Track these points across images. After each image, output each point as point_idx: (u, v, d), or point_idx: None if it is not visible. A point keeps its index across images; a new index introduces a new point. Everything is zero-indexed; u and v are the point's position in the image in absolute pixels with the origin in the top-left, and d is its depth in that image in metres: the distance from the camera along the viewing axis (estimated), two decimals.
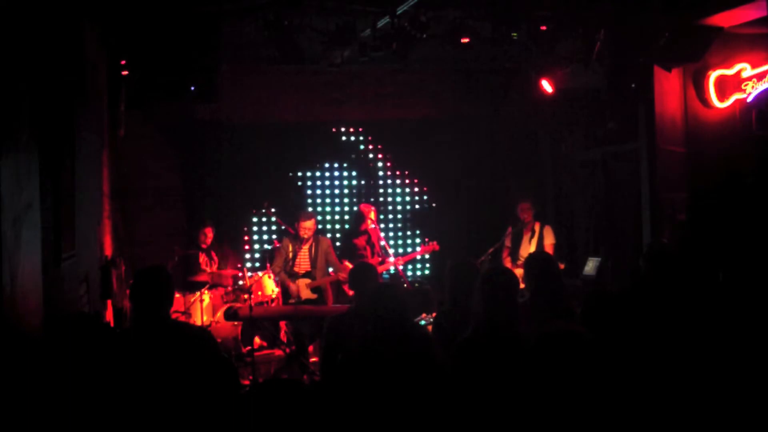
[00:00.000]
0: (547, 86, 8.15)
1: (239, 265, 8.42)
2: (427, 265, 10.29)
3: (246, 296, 7.44)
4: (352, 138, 10.18)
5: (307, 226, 7.64)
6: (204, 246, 8.46)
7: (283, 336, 8.04)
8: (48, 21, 4.34)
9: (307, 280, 7.65)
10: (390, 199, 10.30)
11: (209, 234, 8.50)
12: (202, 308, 7.79)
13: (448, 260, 4.74)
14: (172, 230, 9.17)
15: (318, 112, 9.76)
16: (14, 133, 3.45)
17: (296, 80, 9.39)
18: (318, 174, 10.15)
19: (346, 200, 10.21)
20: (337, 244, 8.95)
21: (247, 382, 6.73)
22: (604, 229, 8.90)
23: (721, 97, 7.27)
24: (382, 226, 9.87)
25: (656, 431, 3.23)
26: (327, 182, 10.20)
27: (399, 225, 10.32)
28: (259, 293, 7.94)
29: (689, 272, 4.77)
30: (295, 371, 7.12)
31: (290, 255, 7.71)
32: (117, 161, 8.00)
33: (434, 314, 5.41)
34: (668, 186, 7.33)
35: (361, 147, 10.21)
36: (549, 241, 8.04)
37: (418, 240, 10.24)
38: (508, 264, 7.96)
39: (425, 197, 10.33)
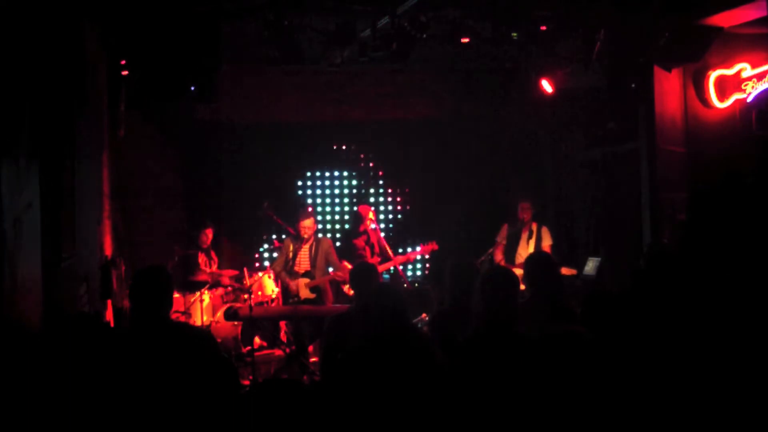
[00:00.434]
0: (547, 86, 8.14)
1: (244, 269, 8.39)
2: (427, 265, 10.29)
3: (246, 296, 7.44)
4: (352, 138, 10.18)
5: (307, 225, 7.64)
6: (204, 246, 8.46)
7: (283, 336, 8.04)
8: (48, 21, 4.34)
9: (307, 280, 7.66)
10: (390, 199, 10.29)
11: (209, 234, 8.51)
12: (202, 308, 7.80)
13: (447, 260, 4.73)
14: (172, 230, 9.17)
15: (318, 112, 9.76)
16: (14, 134, 3.45)
17: (296, 80, 9.39)
18: (318, 174, 10.16)
19: (346, 200, 10.22)
20: (338, 244, 8.95)
21: (247, 382, 6.73)
22: (604, 229, 8.90)
23: (721, 97, 7.27)
24: (382, 226, 9.87)
25: (656, 431, 3.23)
26: (327, 182, 10.21)
27: (399, 226, 10.32)
28: (259, 293, 7.94)
29: (689, 272, 4.76)
30: (295, 371, 7.12)
31: (290, 255, 7.72)
32: (117, 161, 8.00)
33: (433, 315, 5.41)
34: (668, 186, 7.33)
35: (361, 147, 10.23)
36: (547, 242, 8.04)
37: (417, 240, 10.24)
38: (500, 262, 7.96)
39: (424, 198, 10.33)
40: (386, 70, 9.39)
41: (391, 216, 10.37)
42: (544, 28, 6.85)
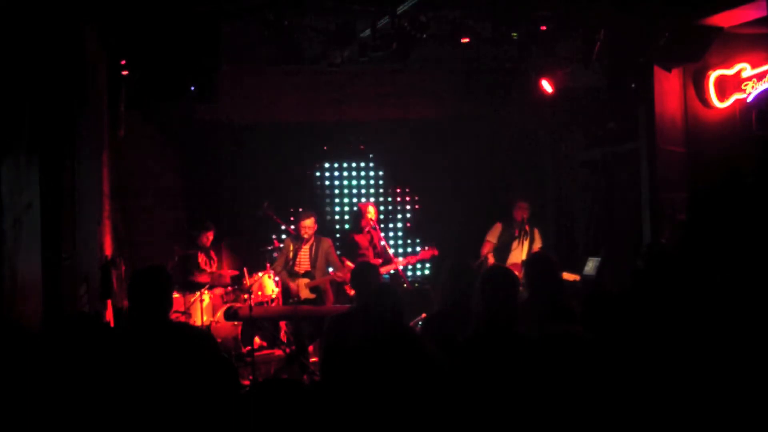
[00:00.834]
0: (547, 86, 8.14)
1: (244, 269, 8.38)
2: (427, 266, 10.29)
3: (246, 296, 7.44)
4: (351, 138, 10.19)
5: (307, 225, 7.64)
6: (204, 246, 8.46)
7: (283, 336, 8.04)
8: (48, 21, 4.34)
9: (307, 280, 7.66)
10: (390, 199, 10.29)
11: (209, 234, 8.51)
12: (202, 308, 7.80)
13: (446, 260, 4.73)
14: (172, 230, 9.17)
15: (318, 113, 9.75)
16: (15, 134, 3.45)
17: (296, 80, 9.38)
18: (317, 174, 10.16)
19: (345, 200, 10.22)
20: (337, 244, 8.95)
21: (247, 382, 6.73)
22: (604, 229, 8.89)
23: (721, 97, 7.27)
24: (382, 226, 9.87)
25: (656, 431, 3.23)
26: (327, 182, 10.20)
27: (399, 225, 10.32)
28: (259, 293, 7.94)
29: (688, 272, 4.76)
30: (295, 371, 7.12)
31: (291, 255, 7.72)
32: (117, 161, 7.99)
33: (430, 315, 5.40)
34: (668, 186, 7.33)
35: (360, 148, 10.23)
36: (537, 244, 8.00)
37: (418, 240, 10.24)
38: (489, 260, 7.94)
39: (425, 198, 10.33)
40: (386, 70, 9.38)
41: (391, 216, 10.37)
42: (544, 28, 6.85)
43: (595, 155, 9.07)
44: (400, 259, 8.36)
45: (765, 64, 6.98)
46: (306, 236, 7.66)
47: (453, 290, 4.43)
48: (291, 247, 7.76)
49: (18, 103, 3.55)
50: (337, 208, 10.18)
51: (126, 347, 3.64)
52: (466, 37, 6.84)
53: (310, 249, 7.71)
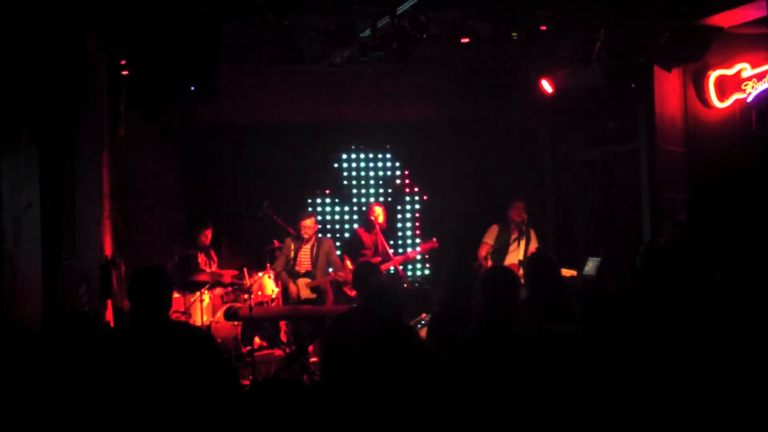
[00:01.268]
0: (547, 86, 8.14)
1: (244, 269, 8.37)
2: (427, 265, 10.30)
3: (246, 296, 7.44)
4: (352, 138, 10.19)
5: (308, 225, 7.65)
6: (204, 246, 8.45)
7: (283, 336, 8.04)
8: (48, 21, 4.34)
9: (307, 280, 7.66)
10: (390, 199, 10.29)
11: (209, 234, 8.50)
12: (202, 308, 7.80)
13: (446, 260, 4.73)
14: (172, 230, 9.17)
15: (318, 113, 9.76)
16: (14, 134, 3.46)
17: (296, 80, 9.38)
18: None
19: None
20: (337, 244, 8.96)
21: (247, 382, 6.73)
22: (604, 229, 8.90)
23: (721, 97, 7.27)
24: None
25: (655, 430, 3.23)
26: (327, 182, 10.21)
27: (399, 225, 10.32)
28: (259, 293, 7.94)
29: (688, 272, 4.76)
30: (295, 371, 7.12)
31: (291, 255, 7.73)
32: (117, 161, 7.99)
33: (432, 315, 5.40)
34: (668, 186, 7.33)
35: (361, 147, 10.24)
36: (533, 245, 7.97)
37: (417, 239, 10.24)
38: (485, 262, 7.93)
39: (425, 198, 10.33)
40: (386, 70, 9.39)
41: (390, 215, 10.36)
42: (544, 28, 6.85)
43: (595, 155, 9.08)
44: (407, 250, 8.31)
45: (765, 64, 6.99)
46: (306, 236, 7.66)
47: (453, 290, 4.44)
48: (291, 247, 7.77)
49: (18, 102, 3.55)
50: (338, 208, 10.18)
51: (126, 347, 3.65)
52: (466, 37, 6.83)
53: (311, 249, 7.72)
